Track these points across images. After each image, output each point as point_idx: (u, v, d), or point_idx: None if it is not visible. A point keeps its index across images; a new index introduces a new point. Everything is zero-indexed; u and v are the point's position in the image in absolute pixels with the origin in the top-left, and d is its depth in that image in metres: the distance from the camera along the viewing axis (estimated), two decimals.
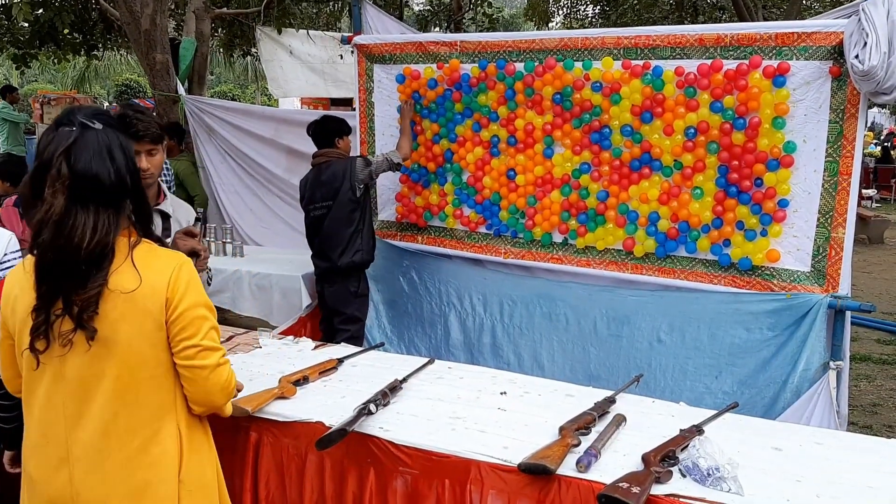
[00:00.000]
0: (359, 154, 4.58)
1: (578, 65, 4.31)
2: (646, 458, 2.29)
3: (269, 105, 14.70)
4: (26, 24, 11.42)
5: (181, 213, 3.07)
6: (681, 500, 2.12)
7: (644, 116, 4.17)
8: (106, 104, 20.01)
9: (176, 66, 8.13)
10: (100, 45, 12.87)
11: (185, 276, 1.88)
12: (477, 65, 4.63)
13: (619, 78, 4.20)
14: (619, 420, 2.60)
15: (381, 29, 5.17)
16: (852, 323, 3.97)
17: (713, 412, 2.75)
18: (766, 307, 3.99)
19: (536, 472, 2.23)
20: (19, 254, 2.65)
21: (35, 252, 1.78)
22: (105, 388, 1.81)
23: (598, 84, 4.27)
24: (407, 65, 4.90)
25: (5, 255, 2.59)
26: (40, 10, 10.36)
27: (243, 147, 6.37)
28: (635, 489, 2.08)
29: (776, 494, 2.17)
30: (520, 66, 4.49)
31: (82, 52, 12.51)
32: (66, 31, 11.78)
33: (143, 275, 1.81)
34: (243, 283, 4.92)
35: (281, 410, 2.70)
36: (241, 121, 6.34)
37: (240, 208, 6.48)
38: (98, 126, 1.80)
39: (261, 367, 3.13)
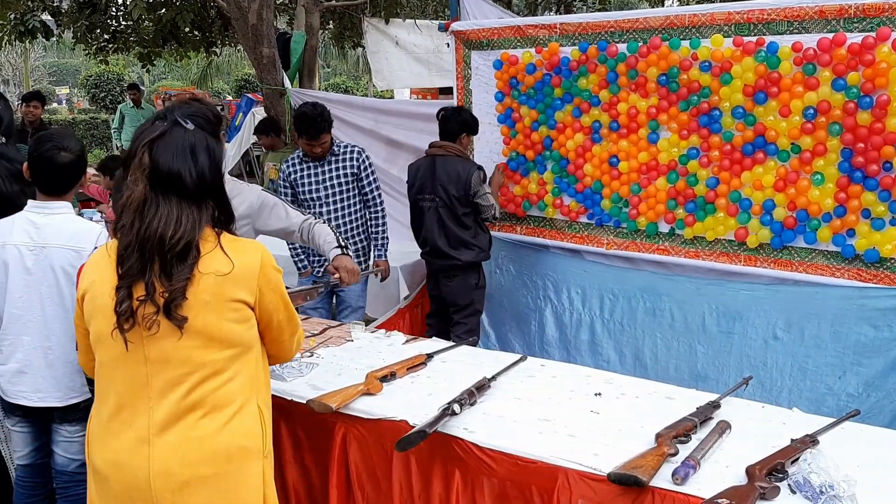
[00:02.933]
0: (479, 166, 4.41)
1: (685, 44, 4.05)
2: (750, 472, 2.09)
3: (380, 97, 14.81)
4: (150, 24, 11.96)
5: (242, 197, 3.16)
6: None
7: (757, 97, 3.87)
8: (229, 98, 20.74)
9: (287, 60, 8.31)
10: (218, 42, 13.35)
11: (269, 261, 1.96)
12: (577, 47, 4.44)
13: (729, 56, 3.92)
14: (723, 428, 2.39)
15: (479, 14, 5.05)
16: None
17: (830, 420, 2.51)
18: None
19: (627, 483, 2.08)
20: None
21: (117, 235, 1.84)
22: (192, 368, 1.84)
23: (706, 63, 4.00)
24: (504, 50, 4.76)
25: (96, 247, 2.63)
26: (162, 10, 10.80)
27: (345, 138, 6.37)
28: None
29: None
30: (622, 47, 4.27)
31: (202, 50, 13.00)
32: (186, 29, 12.26)
33: (235, 260, 1.87)
34: None
35: (366, 407, 2.64)
36: (343, 112, 6.34)
37: None
38: (189, 126, 1.85)
39: (350, 362, 3.09)
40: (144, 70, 14.89)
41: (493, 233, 5.05)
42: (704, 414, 2.48)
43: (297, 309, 2.51)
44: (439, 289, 4.62)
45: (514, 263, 4.99)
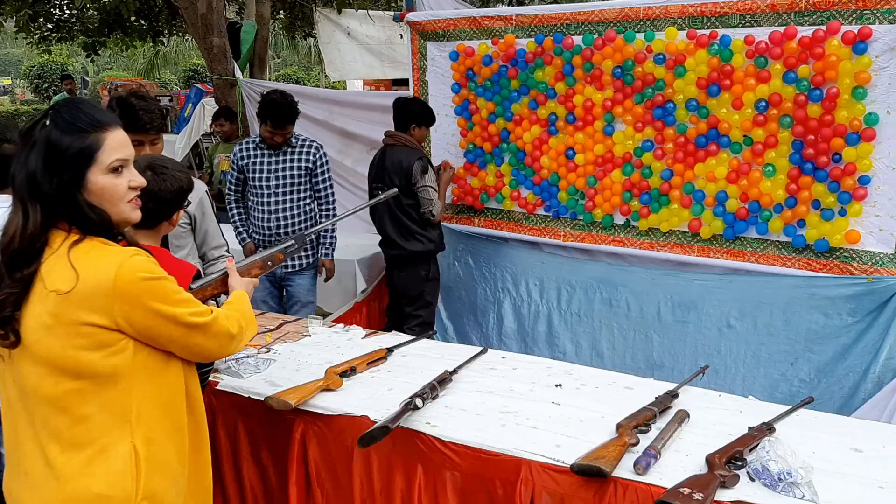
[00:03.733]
0: (422, 156, 4.35)
1: (640, 36, 4.08)
2: (710, 460, 2.11)
3: (332, 88, 14.68)
4: (94, 13, 11.65)
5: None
6: None
7: (711, 89, 3.92)
8: (177, 89, 20.38)
9: (237, 50, 8.16)
10: (165, 31, 13.08)
11: (131, 273, 1.61)
12: (533, 39, 4.44)
13: (683, 49, 3.96)
14: (682, 417, 2.42)
15: (435, 5, 5.02)
16: None
17: (786, 408, 2.55)
18: (846, 292, 3.73)
19: (590, 473, 2.08)
20: None
21: None
22: (42, 399, 1.63)
23: (661, 56, 4.03)
24: (461, 41, 4.74)
25: None
26: None
27: (299, 129, 6.29)
28: (698, 495, 1.92)
29: (855, 502, 1.98)
30: (578, 39, 4.29)
31: (149, 39, 12.73)
32: (132, 17, 11.98)
33: (81, 274, 1.57)
34: None
35: (326, 403, 2.60)
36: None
37: None
38: (47, 121, 1.62)
39: (309, 357, 3.05)
40: (89, 60, 14.54)
41: (451, 225, 5.05)
42: (663, 403, 2.50)
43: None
44: (393, 280, 4.61)
45: (473, 256, 4.99)
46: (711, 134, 3.98)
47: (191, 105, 9.34)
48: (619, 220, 4.40)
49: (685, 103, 4.02)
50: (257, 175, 4.18)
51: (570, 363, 3.09)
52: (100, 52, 13.08)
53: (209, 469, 1.91)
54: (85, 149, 1.60)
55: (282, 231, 4.10)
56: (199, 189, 3.13)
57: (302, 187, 4.16)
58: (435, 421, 2.44)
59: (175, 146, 9.19)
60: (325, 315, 4.76)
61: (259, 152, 4.24)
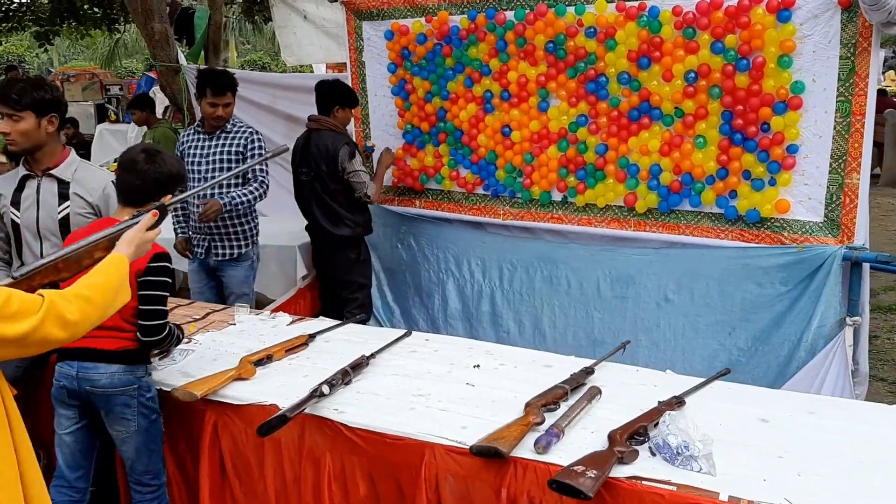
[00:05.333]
0: (348, 141, 4.30)
1: (571, 10, 4.03)
2: (612, 436, 2.10)
3: (299, 72, 14.53)
4: (46, 1, 11.40)
5: (89, 179, 3.01)
6: (643, 482, 1.94)
7: (641, 62, 3.88)
8: (129, 78, 20.05)
9: (192, 37, 8.02)
10: (121, 19, 12.81)
11: None
12: (466, 16, 4.37)
13: (613, 22, 3.91)
14: (593, 393, 2.40)
15: None
16: (887, 271, 3.66)
17: (700, 380, 2.55)
18: (778, 261, 3.72)
19: (488, 455, 2.07)
20: None
21: None
22: None
23: (592, 30, 3.98)
24: (395, 20, 4.66)
25: None
26: None
27: (242, 115, 6.15)
28: (591, 473, 1.90)
29: (752, 473, 1.97)
30: (510, 14, 4.22)
31: (104, 27, 12.48)
32: (84, 6, 11.74)
33: None
34: None
35: (237, 393, 2.56)
36: (242, 89, 6.13)
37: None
38: None
39: (230, 346, 3.00)
40: (42, 50, 14.26)
41: (392, 207, 5.00)
42: (577, 381, 2.48)
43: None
44: (323, 265, 4.55)
45: (415, 237, 4.94)
46: (643, 107, 3.94)
47: (142, 93, 9.20)
48: (557, 196, 4.37)
49: (617, 76, 3.98)
50: (192, 160, 4.10)
51: (493, 344, 3.07)
52: (53, 41, 12.82)
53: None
54: None
55: (197, 224, 4.03)
56: (105, 179, 3.06)
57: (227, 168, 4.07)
58: (343, 407, 2.41)
59: (127, 135, 9.05)
60: (268, 303, 4.72)
61: (197, 136, 4.16)
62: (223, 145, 4.06)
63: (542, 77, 4.22)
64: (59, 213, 2.95)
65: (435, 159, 4.75)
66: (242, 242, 4.12)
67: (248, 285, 4.20)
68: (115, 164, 9.24)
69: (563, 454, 2.07)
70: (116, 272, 1.84)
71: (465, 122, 4.56)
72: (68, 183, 2.98)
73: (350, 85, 4.64)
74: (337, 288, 4.54)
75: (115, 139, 10.56)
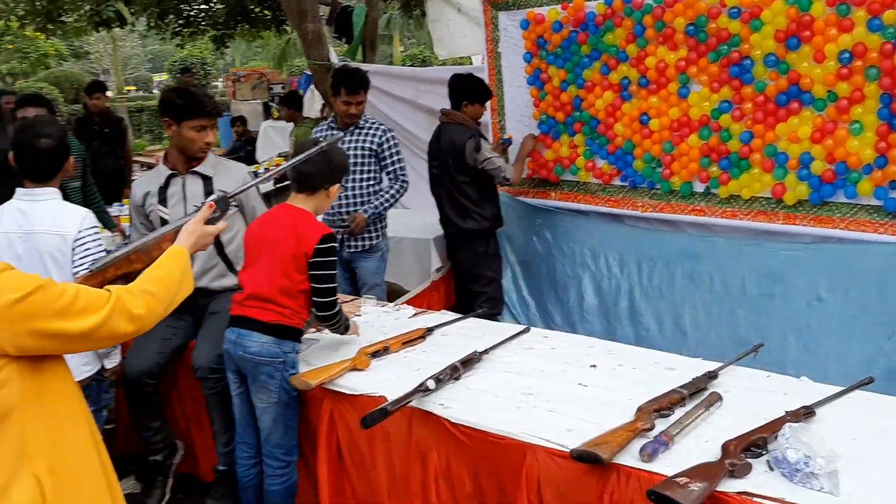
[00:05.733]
0: (473, 134, 4.27)
1: None
2: (725, 447, 1.95)
3: (460, 65, 14.72)
4: (221, 6, 12.16)
5: (229, 174, 3.18)
6: (754, 499, 1.79)
7: (790, 43, 3.59)
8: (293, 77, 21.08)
9: (350, 34, 8.30)
10: (288, 21, 13.47)
11: (2, 285, 1.45)
12: (602, 1, 4.22)
13: (758, 1, 3.64)
14: (712, 400, 2.25)
15: None
16: None
17: (838, 389, 2.32)
18: None
19: (588, 460, 1.97)
20: (95, 230, 2.73)
21: None
22: None
23: (735, 10, 3.73)
24: (531, 8, 4.58)
25: (80, 231, 2.67)
26: None
27: (388, 111, 6.32)
28: (695, 486, 1.77)
29: (883, 496, 1.76)
30: None
31: (273, 28, 13.16)
32: (256, 9, 12.43)
33: None
34: None
35: (351, 383, 2.61)
36: (385, 83, 6.29)
37: None
38: None
39: (351, 337, 3.05)
40: (219, 53, 15.24)
41: (527, 200, 4.93)
42: (696, 385, 2.33)
43: None
44: (453, 257, 4.57)
45: (551, 230, 4.84)
46: (792, 91, 3.64)
47: (301, 91, 9.61)
48: (699, 187, 4.13)
49: (763, 59, 3.70)
50: None
51: (616, 343, 2.95)
52: (228, 44, 13.68)
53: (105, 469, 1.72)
54: None
55: (343, 210, 4.12)
56: (242, 172, 3.22)
57: (365, 168, 4.16)
58: (449, 402, 2.39)
59: (286, 132, 9.48)
60: (403, 293, 4.80)
61: (330, 133, 4.28)
62: (356, 141, 4.15)
63: (682, 62, 4.00)
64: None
65: (570, 150, 4.63)
66: (374, 234, 4.20)
67: (379, 276, 4.28)
68: (278, 158, 9.74)
69: (671, 464, 1.95)
70: (177, 265, 1.86)
71: (602, 111, 4.41)
72: (211, 178, 3.16)
73: (483, 78, 4.60)
74: (467, 281, 4.55)
75: (278, 135, 11.11)
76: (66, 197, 4.10)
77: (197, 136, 3.07)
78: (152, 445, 3.09)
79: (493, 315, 4.51)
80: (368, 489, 2.64)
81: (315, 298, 2.67)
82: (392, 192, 4.15)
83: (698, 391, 2.31)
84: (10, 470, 1.47)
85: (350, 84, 4.08)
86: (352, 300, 3.60)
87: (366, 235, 4.17)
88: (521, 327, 3.04)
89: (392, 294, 4.84)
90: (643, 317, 4.45)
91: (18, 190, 2.71)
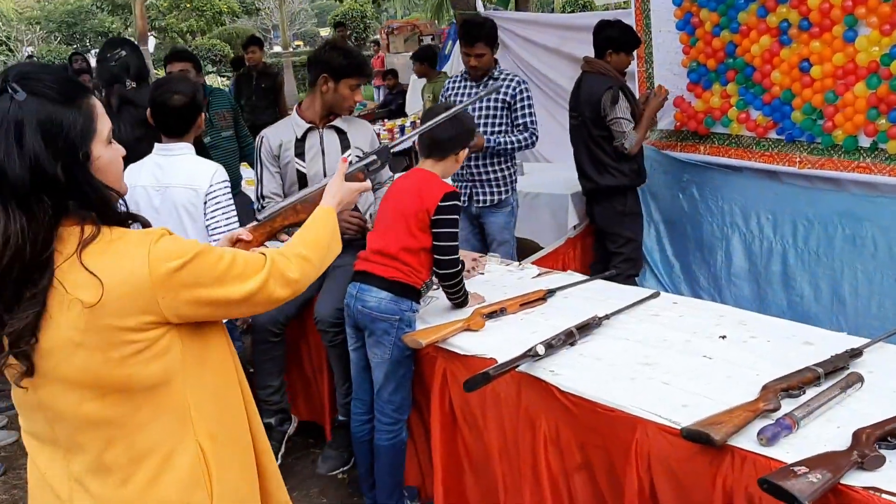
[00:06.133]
0: (612, 85, 4.01)
1: None
2: (856, 435, 1.75)
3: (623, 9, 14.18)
4: None
5: (360, 130, 3.23)
6: (883, 496, 1.59)
7: None
8: (443, 27, 20.95)
9: None
10: None
11: (167, 255, 1.37)
12: None
13: None
14: (851, 381, 2.03)
15: None
16: None
17: None
18: None
19: (698, 440, 1.83)
20: (226, 184, 2.82)
21: None
22: (88, 416, 1.39)
23: None
24: None
25: (211, 186, 2.77)
26: None
27: (532, 60, 6.16)
28: (814, 476, 1.60)
29: None
30: None
31: None
32: None
33: (105, 277, 1.31)
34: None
35: (463, 343, 2.57)
36: (530, 32, 6.13)
37: None
38: (20, 94, 1.29)
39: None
40: (375, 4, 15.45)
41: (674, 154, 4.66)
42: (835, 364, 2.11)
43: None
44: (591, 214, 4.40)
45: (698, 187, 4.55)
46: None
47: (451, 42, 9.53)
48: (865, 142, 3.71)
49: None
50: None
51: (747, 312, 2.72)
52: None
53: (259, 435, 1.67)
54: (86, 120, 1.35)
55: (470, 164, 4.05)
56: (370, 130, 3.25)
57: (497, 120, 4.06)
58: (560, 369, 2.30)
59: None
60: (538, 250, 4.69)
61: (462, 84, 4.22)
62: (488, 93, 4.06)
63: (848, 2, 3.58)
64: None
65: (722, 100, 4.30)
66: (502, 188, 4.11)
67: (508, 231, 4.20)
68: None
69: (793, 449, 1.77)
70: (325, 227, 1.78)
71: (758, 58, 4.05)
72: (346, 133, 3.21)
73: (630, 25, 4.33)
74: (604, 240, 4.38)
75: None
76: (218, 146, 4.39)
77: (350, 95, 3.13)
78: (267, 405, 3.19)
79: (631, 276, 4.33)
80: (481, 450, 2.61)
81: (436, 256, 2.65)
82: (519, 137, 4.02)
83: (836, 370, 2.09)
84: (175, 437, 1.44)
85: (466, 35, 4.00)
86: (477, 257, 3.55)
87: (493, 190, 4.10)
88: (650, 292, 2.88)
89: (528, 250, 4.76)
90: (797, 282, 4.11)
91: (156, 145, 2.84)
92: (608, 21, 4.18)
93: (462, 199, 4.10)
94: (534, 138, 4.08)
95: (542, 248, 4.69)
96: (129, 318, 1.33)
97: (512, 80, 4.09)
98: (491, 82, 4.11)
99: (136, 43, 3.82)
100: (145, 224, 1.50)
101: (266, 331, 3.08)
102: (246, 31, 28.65)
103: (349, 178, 1.97)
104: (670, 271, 4.79)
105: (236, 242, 1.82)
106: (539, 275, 3.23)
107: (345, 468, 3.11)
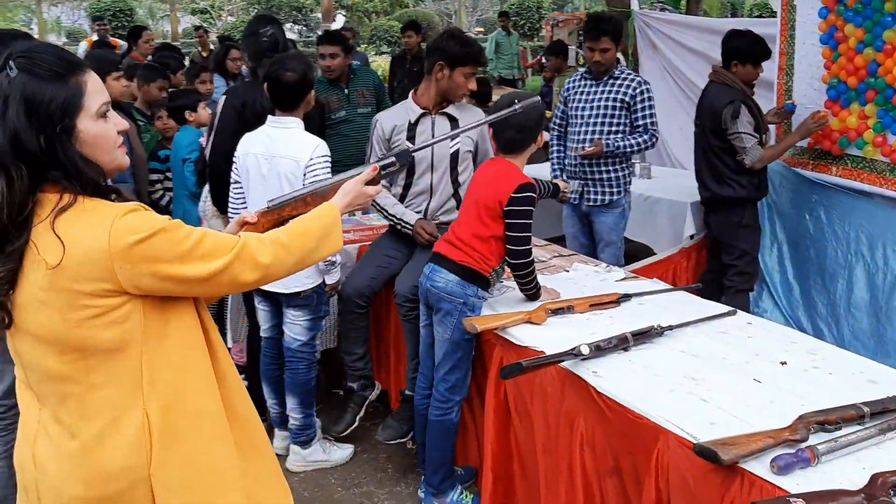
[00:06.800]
0: (734, 98, 3.91)
1: None
2: (873, 478, 1.70)
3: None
4: None
5: (470, 118, 3.26)
6: None
7: None
8: None
9: None
10: None
11: (129, 231, 1.44)
12: None
13: None
14: (893, 425, 1.93)
15: None
16: None
17: None
18: None
19: (706, 456, 1.83)
20: (326, 159, 3.02)
21: None
22: (49, 369, 1.50)
23: None
24: None
25: (311, 159, 2.98)
26: None
27: (679, 63, 6.04)
28: None
29: None
30: None
31: None
32: None
33: (68, 243, 1.41)
34: (636, 206, 4.72)
35: (520, 334, 2.65)
36: (679, 34, 6.00)
37: (671, 128, 6.16)
38: (13, 71, 1.41)
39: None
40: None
41: (805, 172, 4.44)
42: (885, 405, 2.02)
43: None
44: (708, 223, 4.32)
45: (826, 209, 4.32)
46: None
47: (557, 40, 9.48)
48: None
49: None
50: (575, 104, 4.19)
51: (821, 342, 2.62)
52: None
53: (250, 414, 1.74)
54: (71, 96, 1.45)
55: (585, 163, 4.07)
56: (479, 113, 3.37)
57: (614, 120, 4.04)
58: (603, 371, 2.34)
59: None
60: (650, 255, 4.64)
61: (583, 83, 4.23)
62: (607, 92, 4.06)
63: None
64: (450, 148, 3.31)
65: (859, 120, 4.06)
66: (615, 189, 4.10)
67: (616, 232, 4.18)
68: None
69: (806, 482, 1.74)
70: (320, 221, 1.78)
71: None
72: (457, 119, 3.32)
73: (762, 37, 4.16)
74: (719, 250, 4.28)
75: None
76: (352, 121, 4.67)
77: (464, 83, 3.24)
78: (351, 370, 3.41)
79: (744, 291, 4.22)
80: (528, 442, 2.68)
81: (508, 246, 2.74)
82: (639, 139, 4.00)
83: (885, 412, 2.01)
84: (124, 403, 1.50)
85: (592, 29, 4.01)
86: (569, 255, 3.59)
87: (605, 190, 4.10)
88: (726, 309, 2.83)
89: (640, 254, 4.72)
90: None
91: (269, 117, 3.09)
92: (738, 31, 4.07)
93: (573, 197, 4.16)
94: (654, 139, 4.05)
95: (656, 254, 4.64)
96: (86, 283, 1.42)
97: (633, 80, 4.07)
98: (611, 80, 4.10)
99: (280, 21, 4.10)
100: (124, 198, 1.53)
101: (352, 302, 3.28)
102: (426, 14, 29.36)
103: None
104: (789, 294, 4.59)
105: (243, 225, 1.88)
106: (624, 279, 3.23)
107: (402, 439, 3.26)
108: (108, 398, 1.50)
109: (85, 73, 1.49)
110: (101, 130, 1.50)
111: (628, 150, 4.01)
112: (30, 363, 1.52)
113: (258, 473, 1.70)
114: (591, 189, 4.13)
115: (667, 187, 4.94)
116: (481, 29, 35.67)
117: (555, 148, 4.42)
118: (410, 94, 3.44)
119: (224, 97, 3.73)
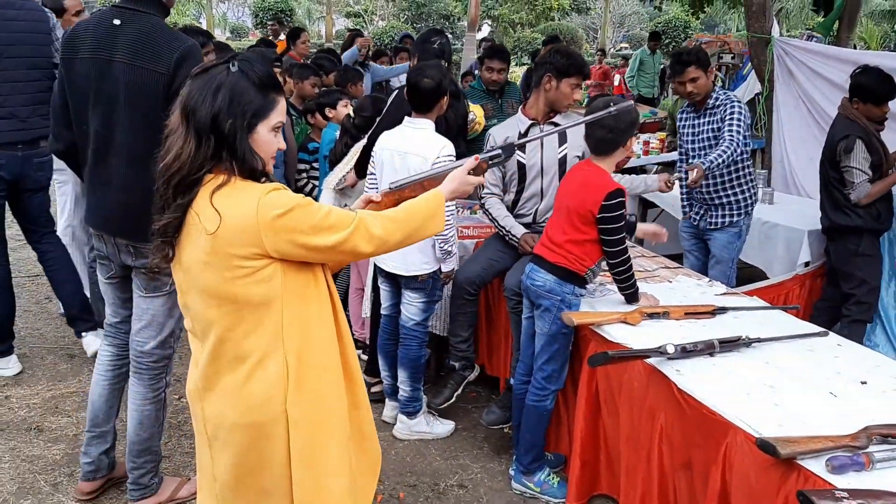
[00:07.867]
0: (848, 134, 3.96)
1: None
2: None
3: None
4: None
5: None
6: None
7: None
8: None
9: (830, 6, 7.86)
10: None
11: (271, 206, 1.74)
12: None
13: None
14: None
15: None
16: None
17: None
18: None
19: (766, 450, 2.01)
20: (451, 158, 3.32)
21: None
22: (211, 319, 1.83)
23: None
24: None
25: (437, 157, 3.29)
26: None
27: (814, 92, 5.98)
28: (853, 502, 1.73)
29: None
30: None
31: None
32: None
33: (224, 213, 1.73)
34: (754, 230, 4.78)
35: (615, 332, 2.86)
36: (817, 64, 5.94)
37: (801, 157, 6.11)
38: (234, 68, 1.78)
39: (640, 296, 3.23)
40: (694, 16, 15.26)
41: None
42: None
43: None
44: (827, 250, 4.39)
45: None
46: None
47: (749, 64, 9.31)
48: None
49: None
50: (685, 139, 4.31)
51: None
52: (706, 9, 13.71)
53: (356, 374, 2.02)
54: (265, 105, 1.81)
55: (704, 188, 4.18)
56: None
57: (715, 142, 4.09)
58: (687, 371, 2.52)
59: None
60: (762, 278, 4.69)
61: (686, 115, 4.31)
62: (708, 122, 4.14)
63: None
64: (559, 153, 3.56)
65: None
66: (735, 212, 4.16)
67: (728, 251, 4.22)
68: None
69: (856, 482, 1.89)
70: (427, 204, 2.03)
71: None
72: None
73: (890, 76, 4.14)
74: (838, 279, 4.31)
75: None
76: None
77: (570, 93, 3.48)
78: (455, 351, 3.73)
79: (860, 321, 4.23)
80: (614, 433, 2.89)
81: (605, 248, 2.95)
82: (720, 149, 3.89)
83: None
84: (269, 346, 1.81)
85: (676, 64, 4.12)
86: (675, 267, 3.75)
87: (726, 212, 4.18)
88: (818, 329, 2.94)
89: (754, 278, 4.77)
90: None
91: (405, 118, 3.43)
92: (868, 68, 4.10)
93: (695, 215, 4.30)
94: (734, 146, 3.88)
95: (767, 277, 4.69)
96: (239, 248, 1.73)
97: (726, 103, 4.06)
98: (707, 111, 4.15)
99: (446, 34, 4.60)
100: (270, 181, 1.85)
101: (463, 289, 3.59)
102: (571, 28, 29.48)
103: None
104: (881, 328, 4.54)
105: (368, 203, 2.18)
106: (724, 293, 3.37)
107: (504, 425, 3.53)
108: (256, 343, 1.81)
109: (280, 95, 1.86)
110: (269, 140, 1.85)
111: (717, 161, 3.91)
112: (197, 315, 1.86)
113: (360, 421, 2.03)
114: (713, 212, 4.23)
115: (786, 214, 4.97)
116: (626, 45, 35.38)
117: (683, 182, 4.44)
118: (520, 108, 3.68)
119: (396, 92, 4.10)
